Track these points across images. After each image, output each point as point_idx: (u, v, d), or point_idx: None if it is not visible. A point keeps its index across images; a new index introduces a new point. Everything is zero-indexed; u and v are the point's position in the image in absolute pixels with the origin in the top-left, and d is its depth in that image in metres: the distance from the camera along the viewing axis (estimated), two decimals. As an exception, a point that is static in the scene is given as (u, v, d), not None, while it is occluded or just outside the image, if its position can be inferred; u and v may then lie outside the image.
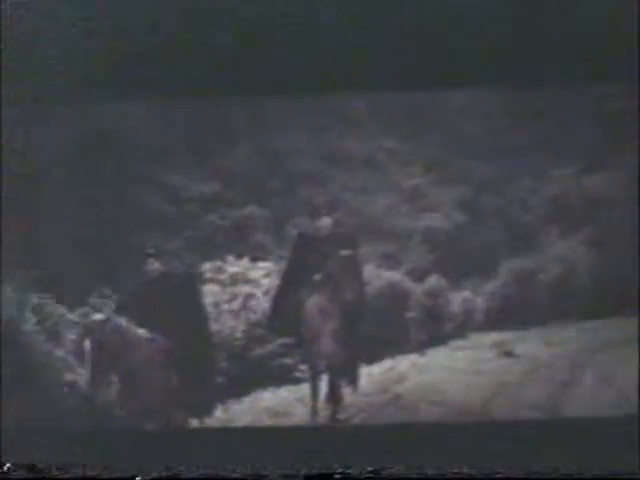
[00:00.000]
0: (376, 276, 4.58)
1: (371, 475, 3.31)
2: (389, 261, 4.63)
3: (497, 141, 4.78)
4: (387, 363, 4.43)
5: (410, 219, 4.71)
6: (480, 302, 4.53)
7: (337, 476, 3.27)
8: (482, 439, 3.93)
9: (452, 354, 4.45)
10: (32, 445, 3.98)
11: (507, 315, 4.48)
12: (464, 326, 4.52)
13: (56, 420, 4.37)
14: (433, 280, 4.58)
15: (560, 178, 4.63)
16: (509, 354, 4.35)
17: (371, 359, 4.43)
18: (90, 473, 3.48)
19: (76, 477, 3.46)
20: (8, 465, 3.54)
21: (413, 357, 4.45)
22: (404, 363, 4.43)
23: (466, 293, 4.56)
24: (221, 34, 4.28)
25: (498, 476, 3.31)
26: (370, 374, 4.39)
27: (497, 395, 4.18)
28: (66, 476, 3.47)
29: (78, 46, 4.17)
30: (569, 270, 4.51)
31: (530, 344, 4.36)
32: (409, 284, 4.60)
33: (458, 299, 4.56)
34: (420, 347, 4.48)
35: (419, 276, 4.60)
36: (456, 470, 3.35)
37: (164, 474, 3.47)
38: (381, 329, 4.50)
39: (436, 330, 4.54)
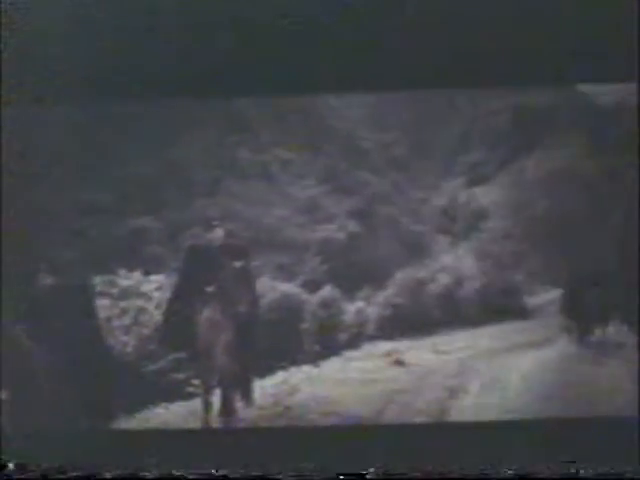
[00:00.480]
0: (270, 288, 4.57)
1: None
2: (283, 272, 4.63)
3: (390, 152, 4.86)
4: (280, 375, 4.42)
5: (305, 230, 4.72)
6: (373, 312, 4.58)
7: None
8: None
9: (345, 364, 4.48)
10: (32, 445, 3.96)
11: (399, 324, 4.55)
12: (357, 336, 4.56)
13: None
14: (327, 291, 4.60)
15: (450, 189, 4.74)
16: (400, 363, 4.41)
17: (264, 372, 4.41)
18: (90, 473, 3.58)
19: (76, 477, 3.57)
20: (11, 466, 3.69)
21: (306, 369, 4.46)
22: (297, 375, 4.43)
23: (359, 303, 4.60)
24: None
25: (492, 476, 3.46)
26: (263, 387, 4.37)
27: (389, 403, 4.23)
28: (66, 476, 3.58)
29: (78, 46, 4.17)
30: (457, 279, 4.62)
31: (420, 352, 4.44)
32: (303, 295, 4.62)
33: (352, 309, 4.60)
34: (314, 358, 4.49)
35: (313, 287, 4.61)
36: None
37: (164, 474, 3.59)
38: (275, 341, 4.49)
39: (330, 341, 4.56)
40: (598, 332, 4.33)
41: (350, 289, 4.60)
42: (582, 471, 3.60)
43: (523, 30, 4.08)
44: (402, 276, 4.62)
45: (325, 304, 4.61)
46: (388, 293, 4.59)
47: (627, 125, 4.59)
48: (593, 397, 4.03)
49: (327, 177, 4.76)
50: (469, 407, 4.17)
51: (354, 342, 4.55)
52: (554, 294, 4.44)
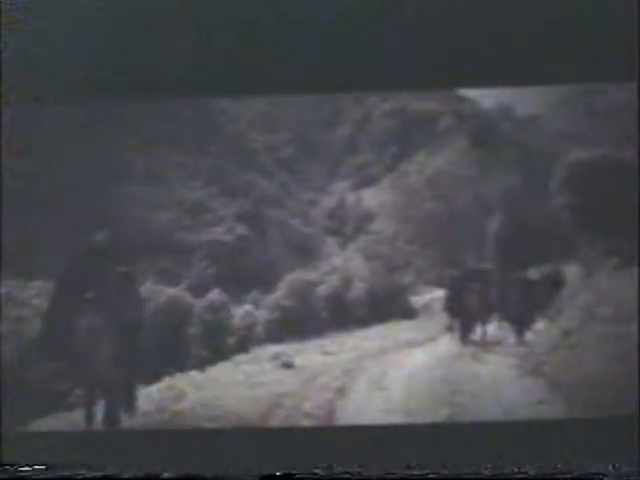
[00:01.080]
0: (156, 292, 4.47)
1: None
2: (170, 276, 4.54)
3: (279, 153, 4.85)
4: (166, 382, 4.32)
5: (192, 233, 4.65)
6: (261, 315, 4.55)
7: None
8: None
9: (233, 368, 4.43)
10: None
11: (287, 327, 4.54)
12: (245, 340, 4.52)
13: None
14: (215, 294, 4.54)
15: (338, 191, 4.77)
16: (288, 365, 4.39)
17: (150, 379, 4.30)
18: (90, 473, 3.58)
19: (77, 477, 3.56)
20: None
21: (193, 374, 4.38)
22: (184, 380, 4.34)
23: (248, 307, 4.56)
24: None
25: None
26: (148, 394, 4.27)
27: (275, 406, 4.20)
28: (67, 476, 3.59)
29: (78, 46, 4.12)
30: (346, 281, 4.65)
31: (308, 354, 4.44)
32: (190, 299, 4.54)
33: (240, 313, 4.56)
34: (201, 363, 4.42)
35: (201, 291, 4.54)
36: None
37: (164, 474, 3.56)
38: (161, 347, 4.39)
39: (218, 345, 4.50)
40: (479, 330, 4.44)
41: (238, 292, 4.56)
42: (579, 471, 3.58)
43: (523, 30, 4.04)
44: (291, 278, 4.61)
45: (213, 308, 4.55)
46: (277, 296, 4.58)
47: (506, 127, 4.75)
48: (473, 395, 4.13)
49: (215, 179, 4.71)
50: (356, 407, 4.19)
51: (242, 345, 4.51)
52: (438, 293, 4.53)
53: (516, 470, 3.51)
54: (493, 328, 4.43)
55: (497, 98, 4.67)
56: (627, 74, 4.02)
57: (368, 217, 4.76)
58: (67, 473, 3.66)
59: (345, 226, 4.74)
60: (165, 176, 4.66)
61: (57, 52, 4.13)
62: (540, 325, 4.32)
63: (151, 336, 4.38)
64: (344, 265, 4.68)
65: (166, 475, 3.60)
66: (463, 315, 4.44)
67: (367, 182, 4.84)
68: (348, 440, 3.96)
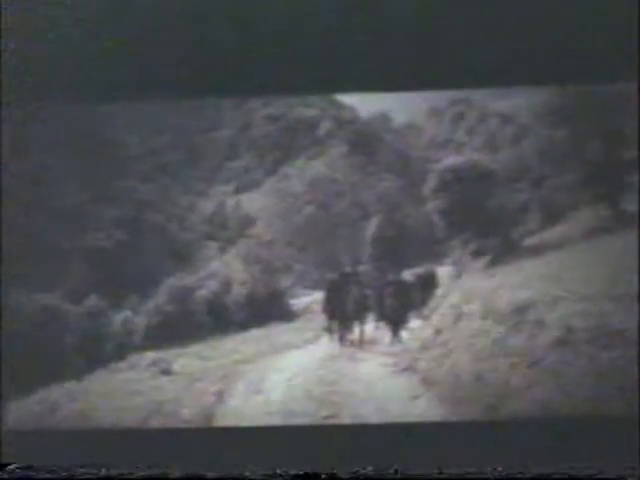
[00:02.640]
0: (29, 300, 4.33)
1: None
2: (45, 283, 4.40)
3: (159, 158, 4.79)
4: (40, 394, 4.18)
5: (69, 239, 4.53)
6: (140, 321, 4.48)
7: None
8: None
9: (110, 377, 4.34)
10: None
11: (166, 333, 4.49)
12: (124, 347, 4.44)
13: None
14: (93, 301, 4.44)
15: (218, 195, 4.76)
16: (167, 372, 4.34)
17: (23, 392, 4.15)
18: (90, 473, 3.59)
19: (77, 477, 3.58)
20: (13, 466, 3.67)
21: (69, 384, 4.26)
22: (58, 391, 4.22)
23: (126, 313, 4.48)
24: None
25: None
26: (20, 408, 4.12)
27: (153, 413, 4.14)
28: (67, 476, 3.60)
29: (78, 46, 4.11)
30: (225, 285, 4.65)
31: (187, 360, 4.41)
32: (67, 306, 4.42)
33: (118, 319, 4.47)
34: (78, 372, 4.31)
35: (78, 298, 4.43)
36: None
37: (164, 474, 3.58)
38: (35, 358, 4.24)
39: (95, 353, 4.40)
40: (357, 330, 4.53)
41: (117, 298, 4.47)
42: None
43: (522, 30, 4.05)
44: (170, 283, 4.56)
45: (90, 315, 4.44)
46: (156, 301, 4.52)
47: (384, 134, 4.88)
48: (350, 394, 4.21)
49: (93, 183, 4.61)
50: (235, 411, 4.18)
51: (120, 353, 4.42)
52: (317, 296, 4.60)
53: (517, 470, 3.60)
54: (370, 328, 4.53)
55: (376, 105, 4.80)
56: (627, 74, 4.04)
57: (248, 221, 4.78)
58: (67, 473, 3.69)
59: (225, 230, 4.73)
60: (41, 180, 4.53)
61: (57, 52, 4.13)
62: (414, 324, 4.46)
63: (23, 346, 4.23)
64: (224, 269, 4.68)
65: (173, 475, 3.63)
66: (341, 317, 4.52)
67: (248, 186, 4.86)
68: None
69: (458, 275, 4.52)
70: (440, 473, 3.62)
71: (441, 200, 4.60)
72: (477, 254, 4.51)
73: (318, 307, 4.56)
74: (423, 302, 4.47)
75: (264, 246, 4.70)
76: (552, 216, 4.52)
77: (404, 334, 4.44)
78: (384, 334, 4.48)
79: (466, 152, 4.70)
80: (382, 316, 4.49)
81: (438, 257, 4.58)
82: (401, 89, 4.33)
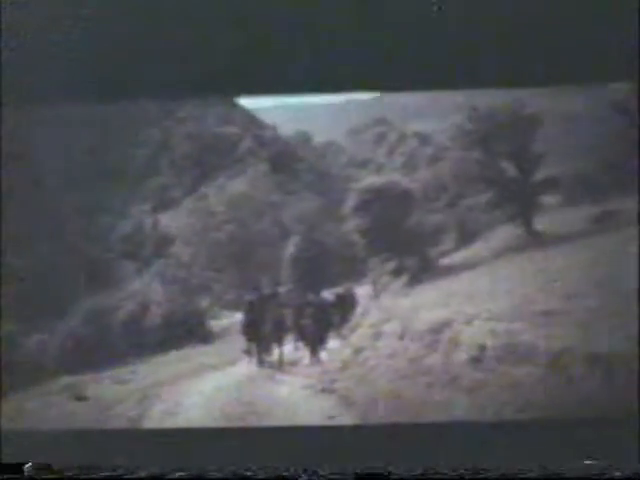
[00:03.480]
0: None
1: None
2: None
3: (75, 174, 4.68)
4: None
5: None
6: (54, 345, 4.37)
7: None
8: None
9: (21, 404, 4.21)
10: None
11: (81, 356, 4.38)
12: (37, 371, 4.31)
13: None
14: (5, 324, 4.30)
15: (136, 214, 4.68)
16: (80, 398, 4.24)
17: None
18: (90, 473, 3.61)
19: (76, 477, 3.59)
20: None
21: (-25, 414, 4.12)
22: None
23: (40, 336, 4.36)
24: None
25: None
26: None
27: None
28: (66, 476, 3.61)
29: (78, 46, 4.11)
30: (143, 306, 4.57)
31: (102, 384, 4.32)
32: (-24, 330, 4.27)
33: (31, 343, 4.34)
34: (-13, 399, 4.17)
35: (-12, 320, 4.29)
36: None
37: (164, 474, 3.58)
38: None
39: (5, 379, 4.25)
40: (276, 351, 4.53)
41: (30, 321, 4.35)
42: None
43: (522, 30, 4.06)
44: (86, 305, 4.46)
45: (3, 339, 4.30)
46: (70, 324, 4.41)
47: (305, 153, 4.89)
48: (267, 415, 4.21)
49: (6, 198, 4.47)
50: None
51: (33, 378, 4.30)
52: (237, 317, 4.57)
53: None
54: (289, 349, 4.53)
55: (297, 124, 4.81)
56: (627, 74, 4.08)
57: (166, 241, 4.71)
58: (68, 473, 3.71)
59: (143, 250, 4.66)
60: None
61: (57, 52, 4.13)
62: (333, 344, 4.48)
63: None
64: (141, 290, 4.60)
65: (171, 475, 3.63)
66: (259, 338, 4.51)
67: (166, 205, 4.80)
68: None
69: (377, 294, 4.56)
70: (435, 473, 3.66)
71: (360, 219, 4.64)
72: (396, 273, 4.57)
73: (237, 328, 4.54)
74: (342, 322, 4.49)
75: (183, 266, 4.65)
76: (467, 236, 4.62)
77: (323, 354, 4.46)
78: (303, 355, 4.48)
79: (385, 172, 4.76)
80: (301, 337, 4.50)
81: (357, 276, 4.61)
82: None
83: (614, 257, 4.28)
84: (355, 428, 4.12)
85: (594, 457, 3.75)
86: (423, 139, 4.80)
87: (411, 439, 3.96)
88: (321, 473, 3.66)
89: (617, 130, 4.43)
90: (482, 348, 4.15)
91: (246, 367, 4.47)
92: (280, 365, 4.48)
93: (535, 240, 4.52)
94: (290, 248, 4.64)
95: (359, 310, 4.51)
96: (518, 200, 4.59)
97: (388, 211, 4.62)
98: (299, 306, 4.53)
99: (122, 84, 4.24)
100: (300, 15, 4.19)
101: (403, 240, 4.60)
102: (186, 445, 3.98)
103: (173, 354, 4.49)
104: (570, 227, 4.52)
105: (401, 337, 4.30)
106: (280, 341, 4.51)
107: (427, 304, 4.37)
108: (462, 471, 3.64)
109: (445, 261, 4.61)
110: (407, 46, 4.20)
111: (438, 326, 4.25)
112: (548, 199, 4.58)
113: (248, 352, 4.50)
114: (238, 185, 4.80)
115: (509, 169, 4.62)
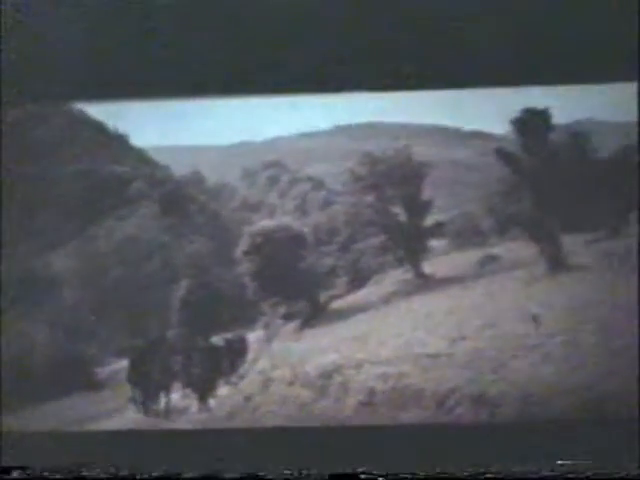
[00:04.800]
0: None
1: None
2: None
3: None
4: None
5: None
6: None
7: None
8: None
9: None
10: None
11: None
12: None
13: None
14: None
15: (22, 255, 4.50)
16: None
17: None
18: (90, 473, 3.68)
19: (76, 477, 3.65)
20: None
21: None
22: None
23: None
24: None
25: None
26: None
27: None
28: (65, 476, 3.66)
29: (78, 46, 4.06)
30: (26, 351, 4.38)
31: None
32: None
33: None
34: None
35: None
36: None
37: (164, 474, 3.64)
38: None
39: None
40: (163, 399, 4.42)
41: None
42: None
43: (522, 30, 4.00)
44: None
45: None
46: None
47: (197, 194, 4.84)
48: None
49: None
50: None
51: None
52: (123, 363, 4.44)
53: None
54: (177, 397, 4.43)
55: (189, 165, 4.76)
56: (627, 74, 4.03)
57: (53, 283, 4.54)
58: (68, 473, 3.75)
59: (29, 293, 4.47)
60: None
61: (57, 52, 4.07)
62: (223, 391, 4.41)
63: None
64: (26, 335, 4.40)
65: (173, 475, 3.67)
66: (145, 385, 4.39)
67: (54, 246, 4.63)
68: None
69: (268, 339, 4.53)
70: (440, 473, 3.66)
71: (252, 263, 4.62)
72: (287, 318, 4.56)
73: (123, 375, 4.40)
74: (232, 368, 4.43)
75: (68, 310, 4.48)
76: (359, 279, 4.67)
77: (212, 402, 4.38)
78: (192, 402, 4.39)
79: (278, 215, 4.77)
80: (189, 383, 4.41)
81: (249, 321, 4.57)
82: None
83: (497, 299, 4.42)
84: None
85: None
86: (316, 183, 4.85)
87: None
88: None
89: (500, 177, 4.61)
90: (371, 392, 4.17)
91: (132, 416, 4.34)
92: (167, 413, 4.38)
93: (424, 283, 4.62)
94: (180, 291, 4.56)
95: (250, 356, 4.47)
96: (408, 244, 4.69)
97: (280, 255, 4.63)
98: (188, 352, 4.45)
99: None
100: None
101: (295, 284, 4.61)
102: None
103: (57, 403, 4.31)
104: (456, 270, 4.65)
105: (291, 383, 4.28)
106: (167, 388, 4.41)
107: (318, 349, 4.37)
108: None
109: (336, 305, 4.64)
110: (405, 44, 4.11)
111: (328, 371, 4.25)
112: (436, 243, 4.71)
113: (134, 400, 4.37)
114: (127, 227, 4.70)
115: (400, 214, 4.73)
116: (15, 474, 3.81)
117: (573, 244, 4.50)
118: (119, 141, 4.71)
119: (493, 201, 4.62)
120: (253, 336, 4.54)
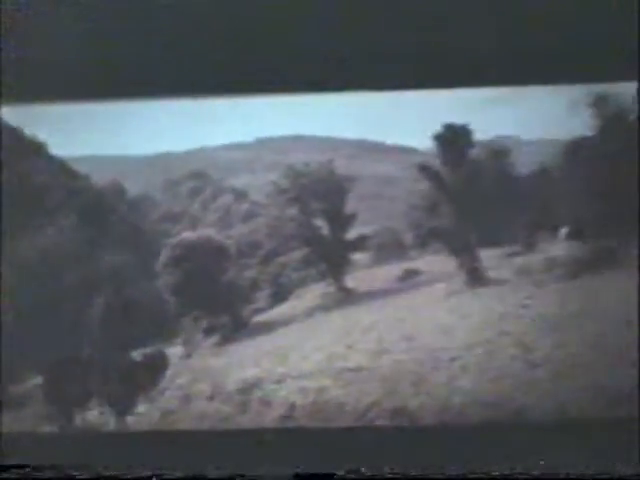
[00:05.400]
0: None
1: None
2: None
3: None
4: None
5: None
6: None
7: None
8: None
9: None
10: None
11: None
12: None
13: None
14: None
15: None
16: None
17: None
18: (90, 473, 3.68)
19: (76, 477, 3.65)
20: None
21: None
22: None
23: None
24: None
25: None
26: None
27: None
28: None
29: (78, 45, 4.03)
30: None
31: None
32: None
33: None
34: None
35: None
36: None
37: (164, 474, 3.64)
38: None
39: None
40: (79, 417, 4.32)
41: None
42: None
43: (522, 29, 3.95)
44: None
45: None
46: None
47: (117, 205, 4.75)
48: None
49: None
50: None
51: None
52: (38, 380, 4.32)
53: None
54: (94, 414, 4.33)
55: (111, 175, 4.67)
56: (627, 74, 4.01)
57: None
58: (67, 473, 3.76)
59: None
60: None
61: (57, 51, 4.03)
62: (141, 408, 4.34)
63: None
64: None
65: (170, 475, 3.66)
66: (61, 402, 4.28)
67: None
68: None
69: (189, 354, 4.48)
70: (442, 473, 3.64)
71: (173, 276, 4.56)
72: (208, 332, 4.52)
73: (38, 393, 4.28)
74: (151, 384, 4.36)
75: (-20, 325, 4.33)
76: (281, 293, 4.66)
77: (130, 419, 4.30)
78: (109, 419, 4.31)
79: (200, 227, 4.72)
80: (107, 400, 4.32)
81: (169, 336, 4.51)
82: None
83: (417, 313, 4.49)
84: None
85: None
86: (239, 195, 4.82)
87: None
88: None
89: (422, 191, 4.68)
90: (292, 407, 4.18)
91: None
92: (83, 431, 4.28)
93: (345, 297, 4.65)
94: (98, 305, 4.46)
95: (169, 371, 4.41)
96: (330, 258, 4.71)
97: (201, 267, 4.58)
98: (105, 367, 4.35)
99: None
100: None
101: (216, 298, 4.57)
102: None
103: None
104: (378, 284, 4.69)
105: (211, 398, 4.25)
106: (84, 405, 4.31)
107: (239, 363, 4.35)
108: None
109: (258, 319, 4.63)
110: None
111: (249, 386, 4.23)
112: (359, 257, 4.74)
113: (49, 419, 4.26)
114: (45, 238, 4.57)
115: (323, 227, 4.74)
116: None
117: (491, 258, 4.61)
118: (36, 149, 4.58)
119: (415, 215, 4.69)
120: (173, 351, 4.48)
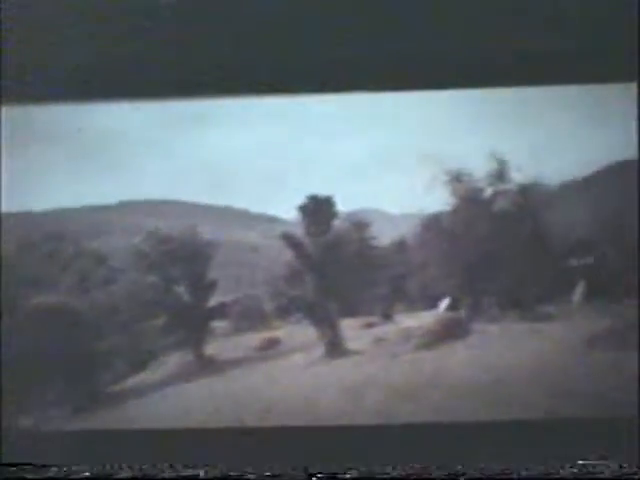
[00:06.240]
0: None
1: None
2: None
3: None
4: None
5: None
6: None
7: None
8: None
9: None
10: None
11: None
12: None
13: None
14: None
15: None
16: None
17: None
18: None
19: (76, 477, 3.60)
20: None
21: None
22: None
23: None
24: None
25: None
26: None
27: None
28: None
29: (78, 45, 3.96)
30: None
31: None
32: None
33: None
34: None
35: None
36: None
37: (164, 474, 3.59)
38: None
39: None
40: None
41: None
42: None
43: (522, 29, 3.88)
44: None
45: None
46: None
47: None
48: None
49: None
50: None
51: None
52: None
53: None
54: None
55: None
56: (627, 74, 3.98)
57: None
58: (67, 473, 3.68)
59: None
60: None
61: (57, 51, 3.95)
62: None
63: None
64: None
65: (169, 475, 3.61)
66: None
67: None
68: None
69: (36, 427, 4.30)
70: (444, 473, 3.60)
71: (25, 342, 4.38)
72: (59, 404, 4.36)
73: None
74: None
75: None
76: (139, 362, 4.58)
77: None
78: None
79: (57, 291, 4.57)
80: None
81: (17, 409, 4.31)
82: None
83: (275, 383, 4.52)
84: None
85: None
86: (98, 258, 4.71)
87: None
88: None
89: (285, 260, 4.76)
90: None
91: None
92: None
93: (205, 365, 4.62)
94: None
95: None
96: (190, 325, 4.68)
97: (54, 334, 4.43)
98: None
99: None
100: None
101: (70, 365, 4.43)
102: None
103: None
104: (237, 353, 4.70)
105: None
106: None
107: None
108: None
109: (114, 389, 4.52)
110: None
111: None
112: (219, 324, 4.73)
113: None
114: None
115: (184, 294, 4.72)
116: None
117: (349, 328, 4.72)
118: None
119: (277, 284, 4.74)
120: (21, 423, 4.29)
